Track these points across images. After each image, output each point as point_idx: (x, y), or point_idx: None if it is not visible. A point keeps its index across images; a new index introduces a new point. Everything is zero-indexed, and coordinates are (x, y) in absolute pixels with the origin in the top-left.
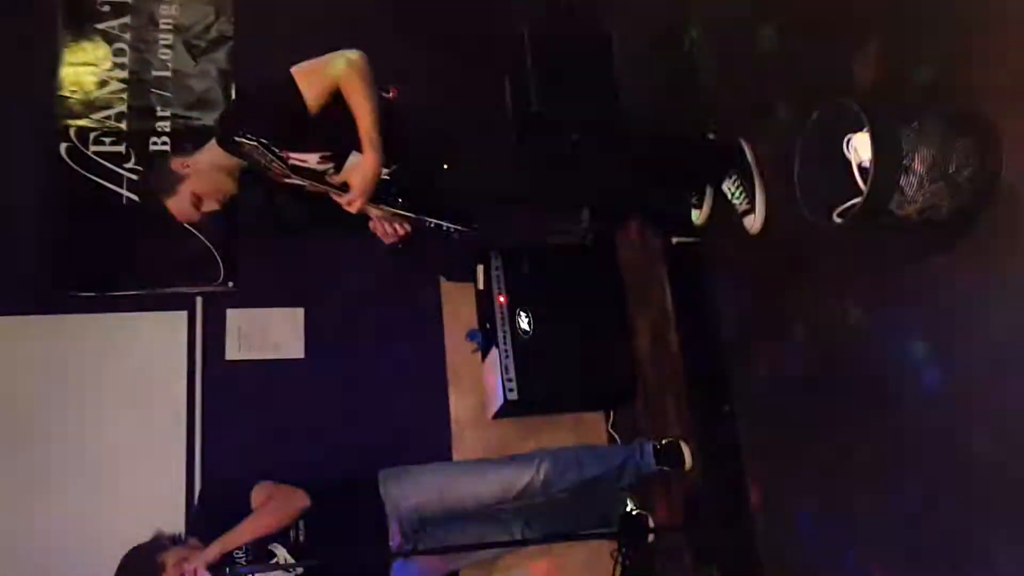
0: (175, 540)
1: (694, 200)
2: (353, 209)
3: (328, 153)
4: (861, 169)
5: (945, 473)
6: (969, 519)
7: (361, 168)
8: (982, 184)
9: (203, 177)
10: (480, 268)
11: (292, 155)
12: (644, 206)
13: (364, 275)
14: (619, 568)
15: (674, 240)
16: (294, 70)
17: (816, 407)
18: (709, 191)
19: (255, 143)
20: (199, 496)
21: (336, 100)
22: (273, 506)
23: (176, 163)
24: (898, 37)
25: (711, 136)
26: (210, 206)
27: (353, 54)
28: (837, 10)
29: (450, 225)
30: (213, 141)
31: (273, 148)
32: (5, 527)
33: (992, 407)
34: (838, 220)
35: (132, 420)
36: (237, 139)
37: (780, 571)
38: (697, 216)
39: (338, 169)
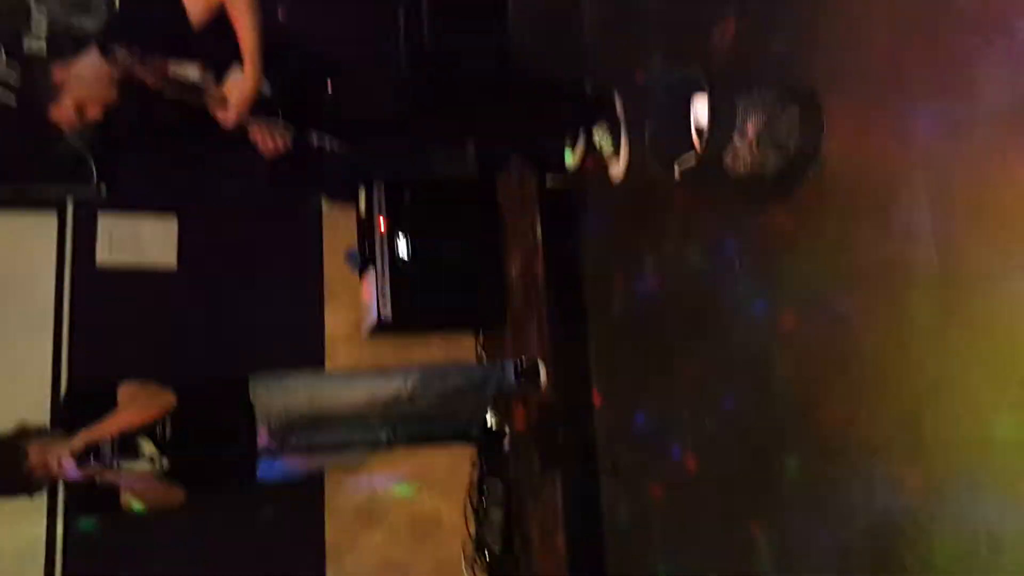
0: (40, 432)
1: (568, 144)
2: (229, 124)
3: (207, 65)
4: (699, 130)
5: (754, 386)
6: (768, 428)
7: (240, 84)
8: (804, 150)
9: (84, 85)
10: (362, 192)
11: (173, 66)
12: (523, 147)
13: (243, 186)
14: (476, 472)
15: (548, 182)
16: None
17: (658, 332)
18: (582, 138)
19: (134, 57)
20: (65, 392)
21: (219, 14)
22: (140, 402)
23: (58, 72)
24: (759, 9)
25: (586, 84)
26: (93, 113)
27: None
28: None
29: (331, 141)
30: (94, 48)
31: (151, 61)
32: None
33: (795, 338)
34: (678, 171)
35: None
36: (116, 50)
37: (615, 468)
38: (570, 159)
39: (218, 80)
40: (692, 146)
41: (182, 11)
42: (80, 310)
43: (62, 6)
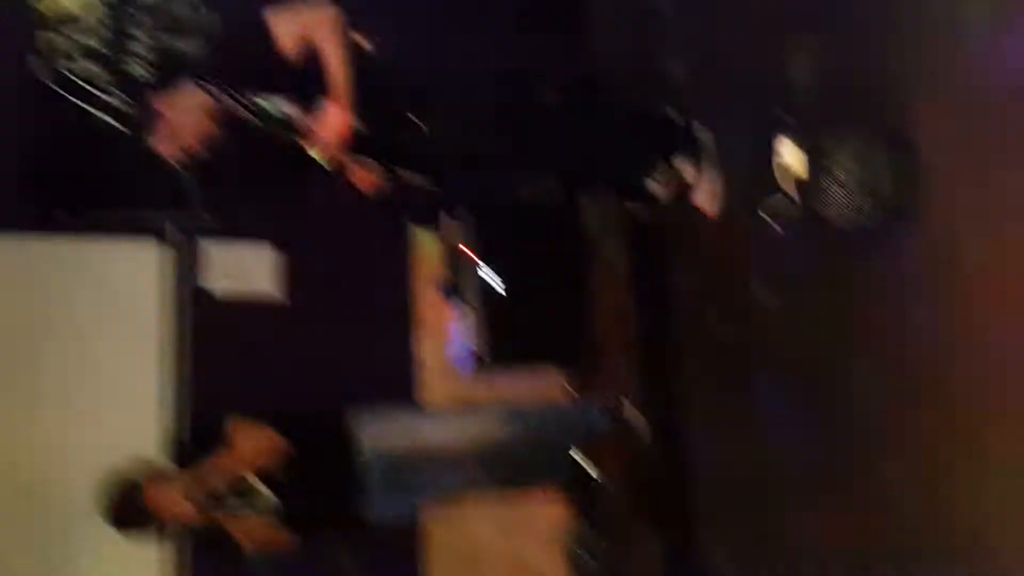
0: (155, 470)
1: (654, 175)
2: (325, 158)
3: (297, 98)
4: (783, 170)
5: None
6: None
7: (330, 120)
8: (899, 197)
9: (183, 116)
10: (450, 223)
11: (262, 98)
12: (608, 175)
13: (338, 215)
14: (571, 516)
15: (632, 209)
16: (270, 16)
17: (753, 373)
18: (669, 168)
19: (225, 90)
20: (180, 430)
21: (310, 48)
22: (252, 443)
23: (157, 102)
24: (846, 42)
25: (671, 113)
26: (192, 144)
27: (331, 9)
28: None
29: (421, 179)
30: (190, 80)
31: (243, 94)
32: None
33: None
34: (764, 216)
35: (107, 345)
36: (208, 84)
37: (712, 524)
38: (656, 187)
39: (307, 113)
40: (779, 190)
41: (273, 44)
42: (184, 336)
43: (158, 28)
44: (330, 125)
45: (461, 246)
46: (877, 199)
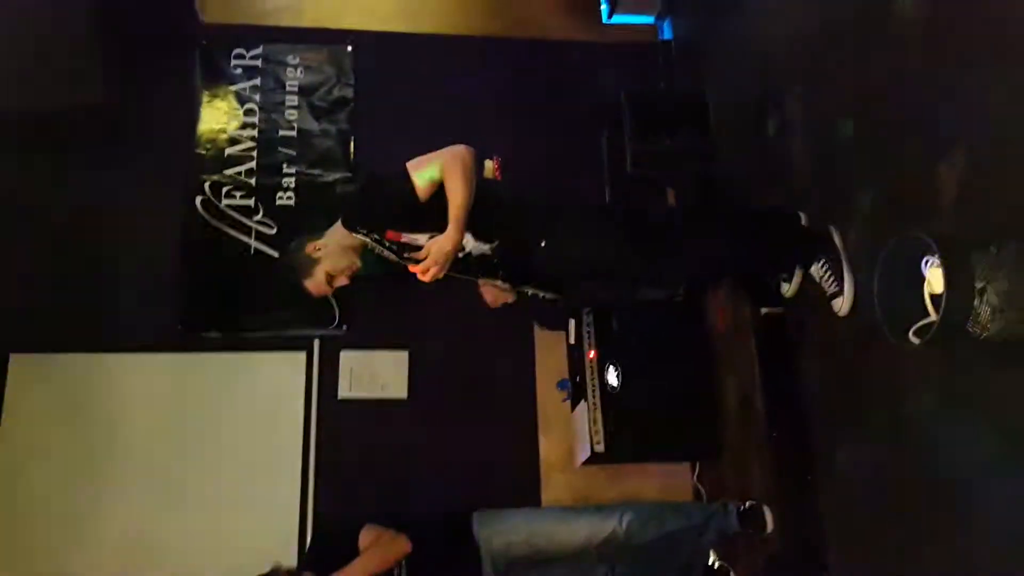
0: (291, 573)
1: (783, 275)
2: (427, 278)
3: (436, 233)
4: (933, 297)
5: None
6: None
7: (440, 241)
8: None
9: (334, 258)
10: (572, 322)
11: (405, 235)
12: (735, 277)
13: (464, 319)
14: None
15: (763, 310)
16: (408, 164)
17: (891, 491)
18: (799, 271)
19: (371, 236)
20: (312, 535)
21: (443, 190)
22: (379, 549)
23: (311, 247)
24: (989, 151)
25: (802, 216)
26: (340, 282)
27: (461, 148)
28: (930, 110)
29: (546, 295)
30: (339, 223)
31: (386, 239)
32: (136, 551)
33: None
34: (914, 340)
35: (254, 451)
36: (357, 230)
37: None
38: (786, 289)
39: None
40: (927, 311)
41: (412, 188)
42: (324, 445)
43: (307, 161)
44: (440, 246)
45: (585, 345)
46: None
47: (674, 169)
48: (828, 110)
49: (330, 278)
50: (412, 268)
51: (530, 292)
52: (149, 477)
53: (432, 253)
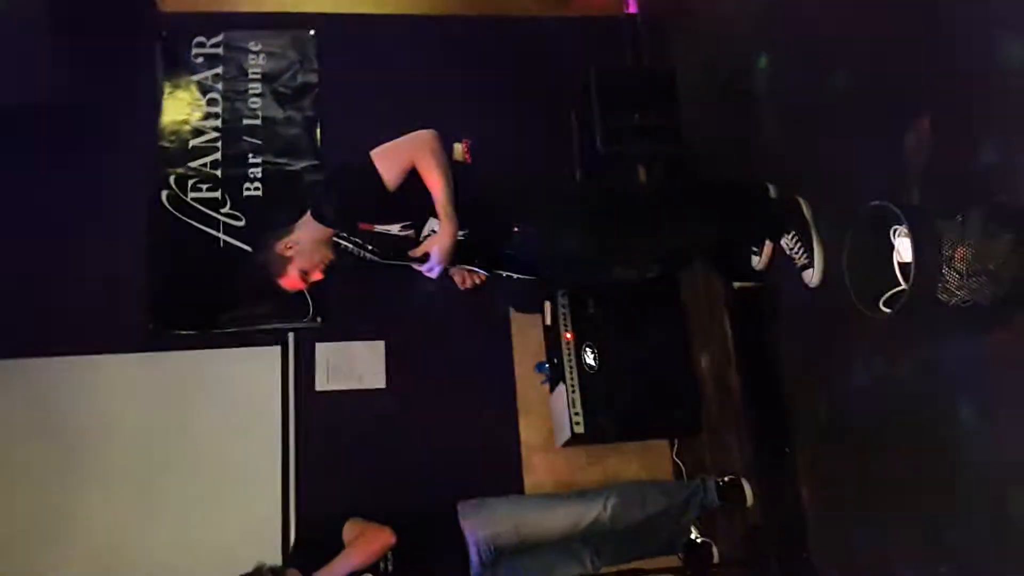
0: (275, 572)
1: (754, 248)
2: (434, 275)
3: (408, 222)
4: (902, 265)
5: (982, 526)
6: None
7: (439, 239)
8: (1021, 279)
9: (307, 254)
10: (547, 304)
11: (377, 226)
12: (707, 253)
13: (439, 306)
14: None
15: (735, 284)
16: (373, 153)
17: (869, 461)
18: (770, 243)
19: (350, 239)
20: (296, 531)
21: (412, 175)
22: (364, 542)
23: (281, 247)
24: (959, 113)
25: (770, 188)
26: (315, 277)
27: (426, 133)
28: (894, 78)
29: (520, 276)
30: (308, 215)
31: (357, 238)
32: (114, 556)
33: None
34: (885, 310)
35: (231, 450)
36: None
37: None
38: (757, 263)
39: (417, 233)
40: (897, 280)
41: (379, 178)
42: (302, 438)
43: (273, 150)
44: (440, 244)
45: (560, 326)
46: (998, 284)
47: (644, 145)
48: (794, 80)
49: (304, 274)
50: (416, 267)
51: (504, 275)
52: (125, 480)
53: (433, 253)
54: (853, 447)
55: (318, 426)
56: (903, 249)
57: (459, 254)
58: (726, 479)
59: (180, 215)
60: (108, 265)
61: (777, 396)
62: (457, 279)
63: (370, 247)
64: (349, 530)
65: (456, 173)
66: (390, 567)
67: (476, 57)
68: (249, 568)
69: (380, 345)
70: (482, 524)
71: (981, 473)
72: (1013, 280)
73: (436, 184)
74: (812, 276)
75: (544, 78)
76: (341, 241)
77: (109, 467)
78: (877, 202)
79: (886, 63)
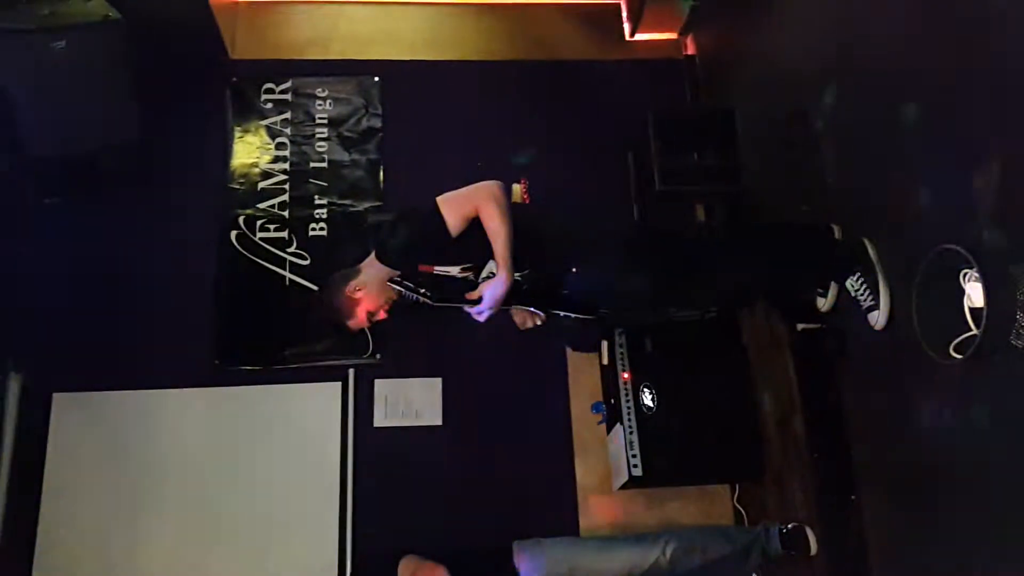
0: None
1: (819, 290)
2: (482, 319)
3: (468, 264)
4: (973, 310)
5: None
6: None
7: (493, 284)
8: None
9: (374, 296)
10: (604, 344)
11: (437, 268)
12: (769, 294)
13: (497, 345)
14: None
15: (799, 326)
16: (439, 199)
17: (937, 512)
18: (835, 286)
19: (405, 284)
20: (351, 566)
21: (475, 222)
22: None
23: (350, 288)
24: None
25: (835, 229)
26: (380, 317)
27: (492, 184)
28: (963, 118)
29: (578, 316)
30: (372, 256)
31: (416, 284)
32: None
33: None
34: (956, 355)
35: (291, 483)
36: (392, 283)
37: None
38: (822, 304)
39: (476, 274)
40: (967, 325)
41: (443, 223)
42: (360, 473)
43: (338, 192)
44: (493, 291)
45: (619, 366)
46: None
47: (703, 185)
48: (856, 121)
49: (371, 315)
50: (467, 309)
51: (562, 314)
52: (190, 511)
53: (486, 297)
54: (921, 497)
55: (376, 461)
56: (974, 293)
57: (518, 295)
58: (789, 527)
59: (248, 254)
60: (178, 301)
61: (842, 442)
62: (517, 320)
63: (423, 291)
64: (404, 568)
65: (515, 214)
66: None
67: (536, 101)
68: None
69: (437, 382)
70: (538, 566)
71: None
72: None
73: (497, 233)
74: (878, 319)
75: (603, 120)
76: (395, 286)
77: (173, 498)
78: (947, 245)
79: (955, 100)
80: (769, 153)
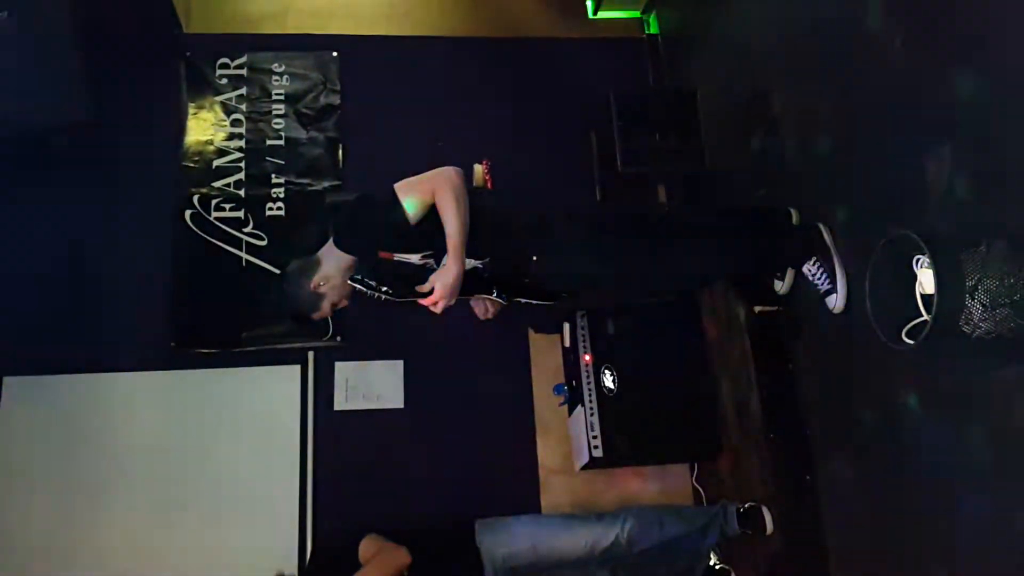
0: None
1: (776, 273)
2: (438, 310)
3: (429, 252)
4: (925, 296)
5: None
6: None
7: (442, 275)
8: None
9: (338, 287)
10: (566, 326)
11: (396, 255)
12: (727, 277)
13: (458, 328)
14: None
15: (756, 309)
16: (397, 187)
17: (889, 491)
18: (792, 270)
19: (365, 283)
20: (312, 548)
21: (433, 209)
22: (379, 562)
23: (315, 283)
24: (974, 147)
25: (793, 214)
26: (345, 305)
27: (449, 170)
28: (915, 106)
29: (540, 302)
30: (330, 244)
31: (378, 276)
32: (132, 561)
33: None
34: (908, 340)
35: (250, 466)
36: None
37: None
38: (779, 287)
39: (437, 262)
40: (919, 311)
41: (401, 210)
42: (321, 456)
43: (295, 171)
44: (443, 281)
45: (580, 349)
46: (1022, 315)
47: (664, 166)
48: (816, 105)
49: (335, 306)
50: (421, 302)
51: (523, 301)
52: (147, 495)
53: (437, 288)
54: (874, 476)
55: (336, 444)
56: (926, 280)
57: (479, 283)
58: (746, 506)
59: (203, 234)
60: (132, 284)
61: (798, 423)
62: (478, 310)
63: (384, 289)
64: (365, 548)
65: (475, 202)
66: None
67: (496, 77)
68: None
69: (399, 365)
70: (499, 543)
71: (998, 499)
72: None
73: (451, 222)
74: (836, 303)
75: (565, 99)
76: (356, 285)
77: (130, 482)
78: (900, 232)
79: (914, 89)
80: (730, 134)
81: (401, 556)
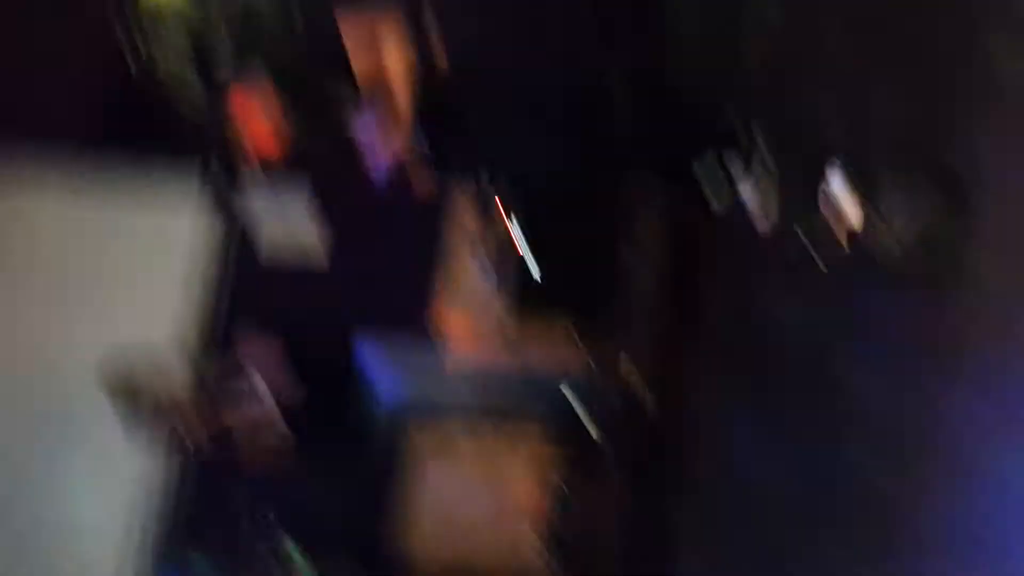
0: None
1: (703, 162)
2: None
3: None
4: (832, 202)
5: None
6: None
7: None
8: (940, 228)
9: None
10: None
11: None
12: (653, 155)
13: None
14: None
15: (677, 197)
16: (339, 18)
17: (772, 401)
18: (718, 159)
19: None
20: (193, 335)
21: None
22: (255, 348)
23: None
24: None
25: (729, 109)
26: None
27: (392, 12)
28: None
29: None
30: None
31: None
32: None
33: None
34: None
35: (141, 260)
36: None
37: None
38: (703, 177)
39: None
40: (832, 232)
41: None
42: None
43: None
44: (388, 140)
45: (496, 202)
46: (923, 238)
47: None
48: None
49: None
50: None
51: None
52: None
53: (382, 146)
54: (755, 387)
55: (232, 256)
56: (836, 188)
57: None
58: (625, 370)
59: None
60: None
61: (695, 311)
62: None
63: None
64: (240, 338)
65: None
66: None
67: None
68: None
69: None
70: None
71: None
72: (938, 235)
73: (397, 80)
74: (752, 201)
75: None
76: None
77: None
78: (827, 155)
79: (882, 15)
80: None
81: (275, 347)
